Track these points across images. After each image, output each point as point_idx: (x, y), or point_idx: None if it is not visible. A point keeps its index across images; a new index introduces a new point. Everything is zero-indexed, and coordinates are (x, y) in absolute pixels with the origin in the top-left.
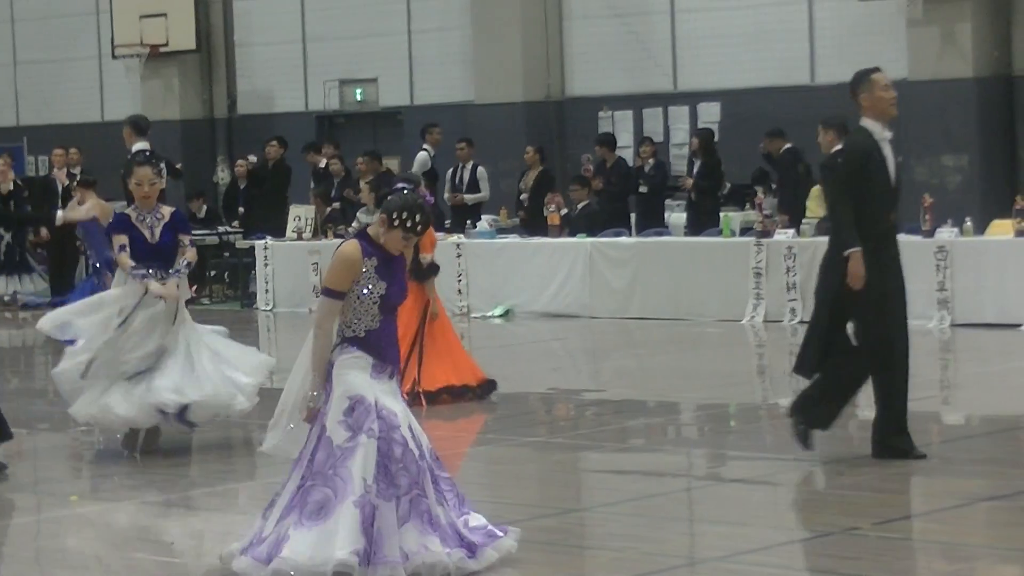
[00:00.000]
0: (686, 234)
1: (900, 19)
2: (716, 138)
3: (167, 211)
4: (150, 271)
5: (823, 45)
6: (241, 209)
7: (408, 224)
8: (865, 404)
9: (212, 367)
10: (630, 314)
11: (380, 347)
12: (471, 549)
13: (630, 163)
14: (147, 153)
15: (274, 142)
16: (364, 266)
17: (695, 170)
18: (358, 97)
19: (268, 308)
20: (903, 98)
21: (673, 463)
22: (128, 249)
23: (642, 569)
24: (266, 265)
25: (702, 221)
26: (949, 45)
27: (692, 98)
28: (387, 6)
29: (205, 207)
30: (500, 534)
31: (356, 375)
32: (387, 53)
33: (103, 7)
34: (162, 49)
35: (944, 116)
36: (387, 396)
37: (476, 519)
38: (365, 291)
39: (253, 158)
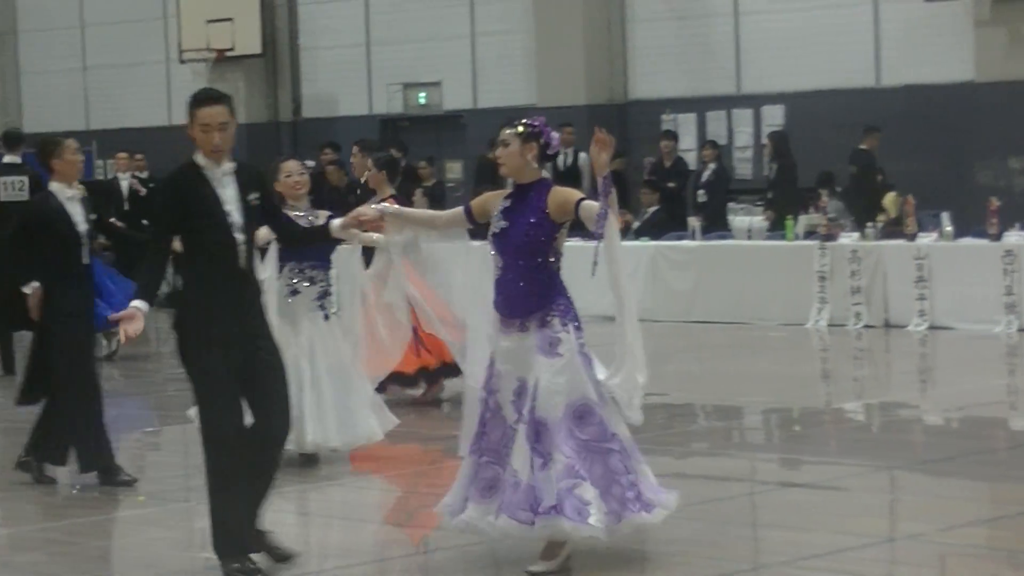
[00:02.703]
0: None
1: (967, 20)
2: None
3: (323, 213)
4: (307, 270)
5: (888, 47)
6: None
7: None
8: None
9: None
10: (693, 318)
11: (500, 297)
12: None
13: (692, 166)
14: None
15: (328, 149)
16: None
17: (771, 173)
18: (421, 100)
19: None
20: (969, 100)
21: (736, 467)
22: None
23: (705, 573)
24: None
25: (776, 224)
26: (1017, 46)
27: (755, 101)
28: (450, 9)
29: None
30: (633, 511)
31: (493, 336)
32: (450, 56)
33: (171, 12)
34: (228, 53)
35: (1011, 118)
36: (502, 356)
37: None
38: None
39: (311, 163)
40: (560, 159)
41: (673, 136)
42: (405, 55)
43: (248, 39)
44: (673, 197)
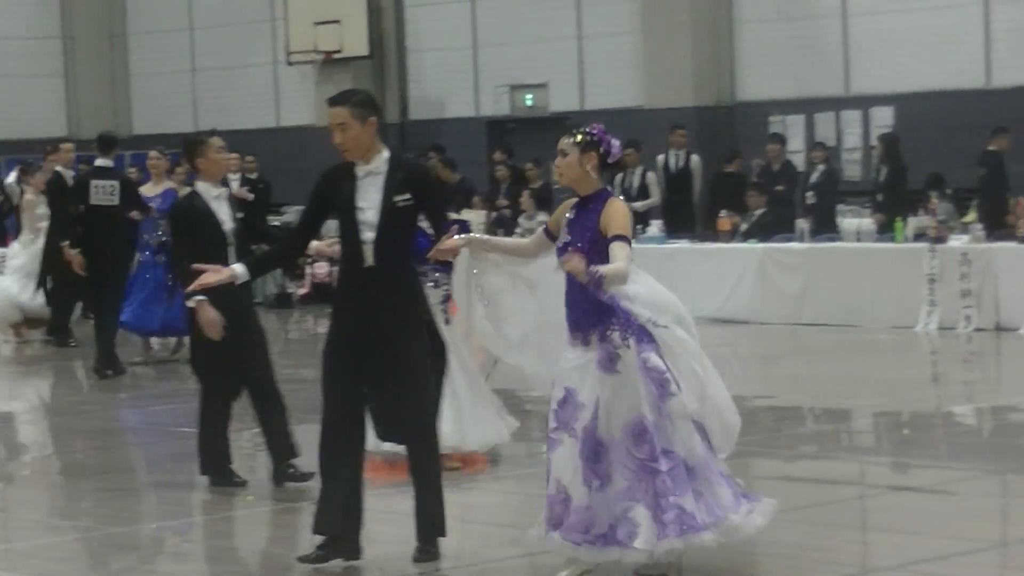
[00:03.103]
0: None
1: None
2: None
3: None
4: (432, 272)
5: (999, 47)
6: None
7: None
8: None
9: None
10: (801, 320)
11: (567, 311)
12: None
13: (801, 168)
14: None
15: (433, 152)
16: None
17: (880, 176)
18: (528, 102)
19: None
20: None
21: (845, 471)
22: None
23: None
24: None
25: (885, 227)
26: None
27: (864, 102)
28: (557, 11)
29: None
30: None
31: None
32: (557, 58)
33: (278, 14)
34: (335, 55)
35: None
36: (565, 370)
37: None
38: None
39: None
40: (672, 161)
41: (781, 139)
42: (512, 57)
43: (355, 41)
44: (782, 200)
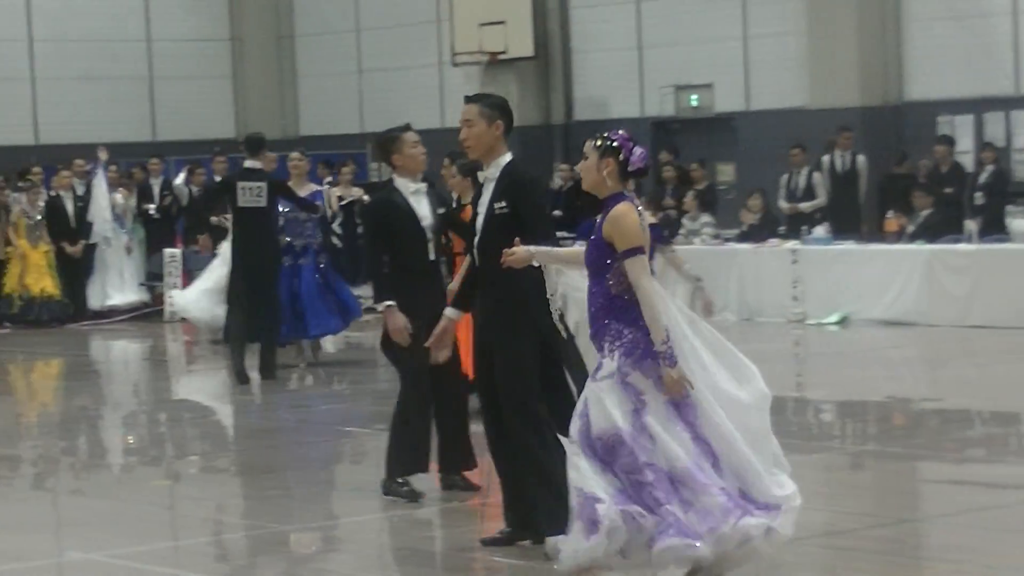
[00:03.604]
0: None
1: None
2: None
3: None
4: None
5: None
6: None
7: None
8: None
9: None
10: (970, 322)
11: (590, 314)
12: None
13: (970, 169)
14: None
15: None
16: None
17: None
18: (693, 103)
19: None
20: None
21: (1014, 475)
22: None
23: None
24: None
25: None
26: None
27: None
28: (723, 11)
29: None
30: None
31: None
32: (722, 58)
33: (444, 15)
34: (501, 56)
35: None
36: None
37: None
38: None
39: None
40: (838, 162)
41: (949, 141)
42: (677, 57)
43: (521, 42)
44: (950, 201)
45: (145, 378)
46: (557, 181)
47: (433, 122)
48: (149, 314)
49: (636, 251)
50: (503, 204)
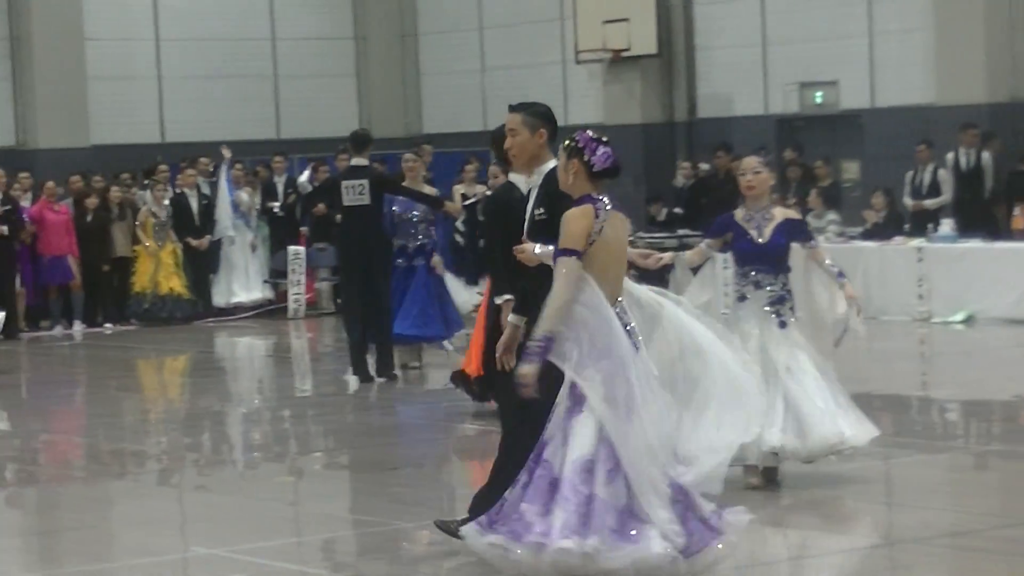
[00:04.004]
0: None
1: None
2: None
3: (780, 213)
4: (753, 274)
5: None
6: (678, 210)
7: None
8: None
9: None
10: None
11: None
12: None
13: None
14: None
15: (720, 152)
16: None
17: None
18: (818, 100)
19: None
20: None
21: None
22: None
23: None
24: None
25: None
26: None
27: None
28: (848, 8)
29: (665, 210)
30: None
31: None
32: (847, 55)
33: (567, 13)
34: (624, 54)
35: None
36: None
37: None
38: None
39: (706, 166)
40: (963, 159)
41: None
42: (801, 54)
43: (644, 39)
44: None
45: (269, 375)
46: (680, 179)
47: (557, 120)
48: (273, 311)
49: (568, 252)
50: (541, 211)
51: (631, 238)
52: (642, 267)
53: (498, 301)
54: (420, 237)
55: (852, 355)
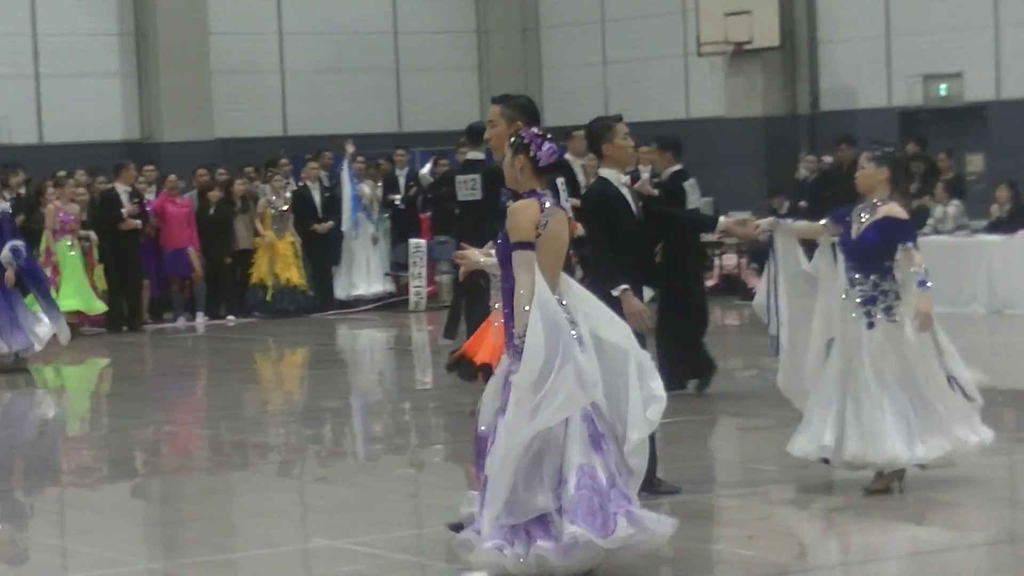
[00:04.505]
0: None
1: None
2: None
3: (884, 210)
4: (849, 270)
5: None
6: (803, 203)
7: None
8: None
9: None
10: None
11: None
12: None
13: None
14: None
15: (843, 144)
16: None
17: None
18: (942, 92)
19: None
20: None
21: None
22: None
23: None
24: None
25: None
26: None
27: None
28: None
29: (787, 204)
30: None
31: None
32: (972, 46)
33: (689, 6)
34: (746, 46)
35: None
36: None
37: None
38: None
39: (829, 158)
40: None
41: None
42: (925, 46)
43: (766, 32)
44: None
45: (390, 367)
46: (802, 172)
47: (678, 113)
48: (394, 303)
49: (523, 245)
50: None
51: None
52: (740, 236)
53: (615, 293)
54: None
55: (976, 350)
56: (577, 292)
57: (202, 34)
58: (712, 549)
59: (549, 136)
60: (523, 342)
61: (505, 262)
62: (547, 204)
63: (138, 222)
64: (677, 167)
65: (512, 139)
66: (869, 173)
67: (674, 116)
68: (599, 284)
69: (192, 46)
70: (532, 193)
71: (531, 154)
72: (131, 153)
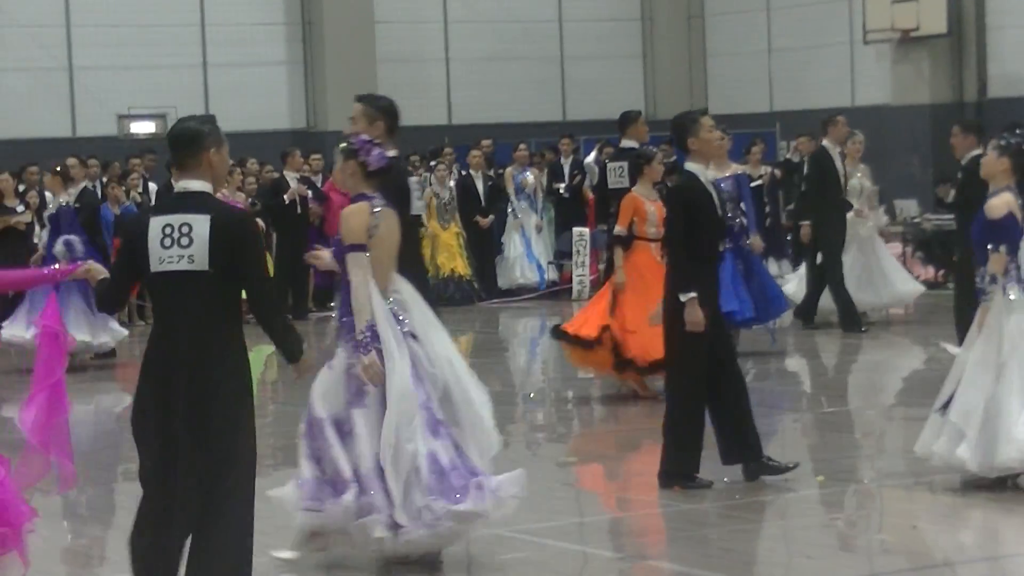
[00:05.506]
0: None
1: None
2: None
3: (989, 203)
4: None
5: None
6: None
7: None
8: None
9: None
10: None
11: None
12: None
13: None
14: None
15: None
16: None
17: None
18: None
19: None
20: None
21: None
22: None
23: None
24: None
25: None
26: None
27: None
28: None
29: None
30: None
31: None
32: None
33: None
34: (913, 34)
35: None
36: None
37: None
38: None
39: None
40: None
41: None
42: None
43: (933, 18)
44: None
45: (553, 356)
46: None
47: (844, 101)
48: (557, 292)
49: (356, 247)
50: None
51: (916, 219)
52: None
53: (683, 299)
54: (731, 215)
55: None
56: (408, 291)
57: (368, 23)
58: (875, 539)
59: (378, 143)
60: (364, 337)
61: (341, 263)
62: (377, 208)
63: (318, 208)
64: (977, 151)
65: (342, 146)
66: (988, 161)
67: (840, 104)
68: (670, 284)
69: (358, 35)
70: (362, 196)
71: (361, 159)
72: (297, 142)
